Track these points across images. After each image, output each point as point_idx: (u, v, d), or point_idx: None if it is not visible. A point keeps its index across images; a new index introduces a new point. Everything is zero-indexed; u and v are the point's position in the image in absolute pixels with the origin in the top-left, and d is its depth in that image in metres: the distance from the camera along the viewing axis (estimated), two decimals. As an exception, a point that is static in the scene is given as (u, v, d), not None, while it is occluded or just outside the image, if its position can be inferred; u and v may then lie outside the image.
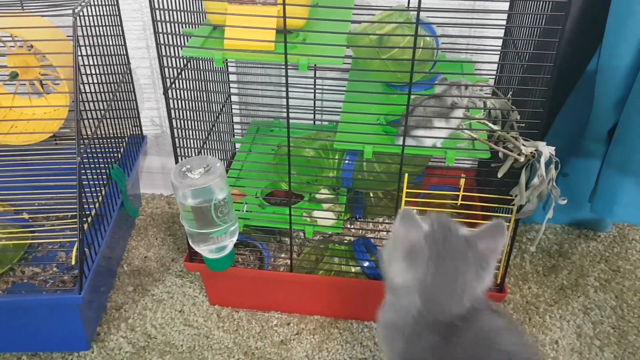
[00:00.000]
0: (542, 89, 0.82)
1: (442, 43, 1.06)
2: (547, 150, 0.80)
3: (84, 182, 1.03)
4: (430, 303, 0.71)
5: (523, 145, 0.81)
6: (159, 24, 0.86)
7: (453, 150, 0.90)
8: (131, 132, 1.32)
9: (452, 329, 0.70)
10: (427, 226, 0.72)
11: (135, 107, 1.33)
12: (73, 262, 0.98)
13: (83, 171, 1.02)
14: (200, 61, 1.09)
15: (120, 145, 1.26)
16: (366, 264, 1.12)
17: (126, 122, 1.29)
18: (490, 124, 0.88)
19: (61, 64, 1.08)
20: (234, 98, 1.34)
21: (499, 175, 0.85)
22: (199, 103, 1.09)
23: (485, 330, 0.71)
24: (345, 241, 1.21)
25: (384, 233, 1.03)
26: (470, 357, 0.70)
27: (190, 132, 1.03)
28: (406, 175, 0.94)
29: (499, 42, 1.13)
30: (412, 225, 0.71)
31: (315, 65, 1.24)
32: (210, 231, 0.95)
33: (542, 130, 0.83)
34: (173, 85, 0.93)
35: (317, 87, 1.29)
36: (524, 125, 0.88)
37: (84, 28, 1.12)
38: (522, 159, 0.81)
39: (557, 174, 0.84)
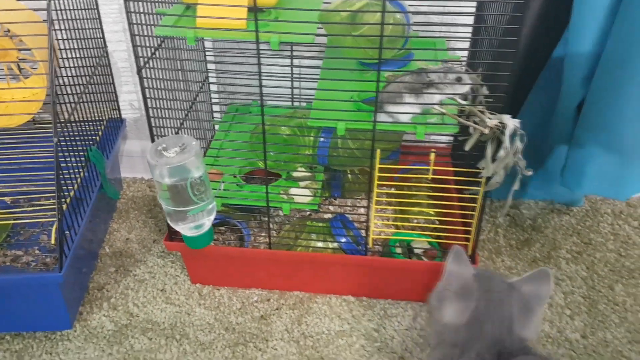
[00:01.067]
0: (507, 63, 0.84)
1: (414, 21, 1.08)
2: (511, 122, 0.82)
3: (62, 165, 1.04)
4: (481, 341, 0.72)
5: (488, 118, 0.84)
6: (131, 3, 0.87)
7: (423, 126, 0.93)
8: (110, 116, 1.33)
9: None
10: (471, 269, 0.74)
11: (113, 91, 1.34)
12: (52, 242, 1.00)
13: (61, 153, 1.03)
14: (176, 41, 1.10)
15: (99, 128, 1.27)
16: (343, 239, 1.15)
17: (104, 105, 1.30)
18: (459, 99, 0.90)
19: (37, 47, 1.09)
20: (212, 79, 1.35)
21: (467, 148, 0.87)
22: (176, 84, 1.10)
23: None
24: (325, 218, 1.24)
25: (362, 210, 1.06)
26: None
27: (168, 112, 1.04)
28: (378, 151, 0.97)
29: (471, 20, 1.15)
30: (464, 261, 0.74)
31: (292, 45, 1.26)
32: (188, 209, 0.97)
33: (507, 104, 0.85)
34: (147, 65, 0.94)
35: (295, 67, 1.30)
36: (491, 99, 0.90)
37: (59, 12, 1.13)
38: (486, 131, 0.83)
39: (523, 146, 0.86)
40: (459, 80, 0.88)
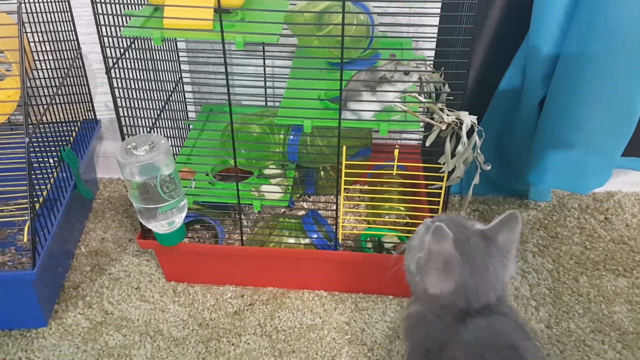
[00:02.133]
0: (464, 62, 0.87)
1: (380, 22, 1.11)
2: (468, 119, 0.86)
3: (35, 165, 1.06)
4: (469, 300, 0.75)
5: (447, 115, 0.87)
6: (99, 5, 0.89)
7: (385, 123, 0.96)
8: (84, 117, 1.34)
9: (473, 317, 0.75)
10: (449, 232, 0.75)
11: (87, 92, 1.35)
12: (25, 240, 1.01)
13: (34, 154, 1.05)
14: (147, 42, 1.12)
15: (73, 129, 1.28)
16: (315, 235, 1.17)
17: (78, 106, 1.32)
18: (419, 97, 0.93)
19: (9, 48, 1.10)
20: (186, 80, 1.37)
21: (427, 143, 0.91)
22: (148, 84, 1.12)
23: (495, 326, 0.75)
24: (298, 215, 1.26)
25: (334, 206, 1.08)
26: (477, 340, 0.74)
27: (140, 111, 1.06)
28: (344, 148, 0.99)
29: (436, 20, 1.18)
30: (444, 239, 0.74)
31: (264, 45, 1.28)
32: (158, 206, 0.99)
33: (463, 101, 0.88)
34: (117, 66, 0.96)
35: (267, 67, 1.33)
36: (451, 97, 0.93)
37: (31, 15, 1.14)
38: (444, 127, 0.86)
39: (481, 142, 0.89)
40: (407, 74, 0.90)
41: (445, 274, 0.75)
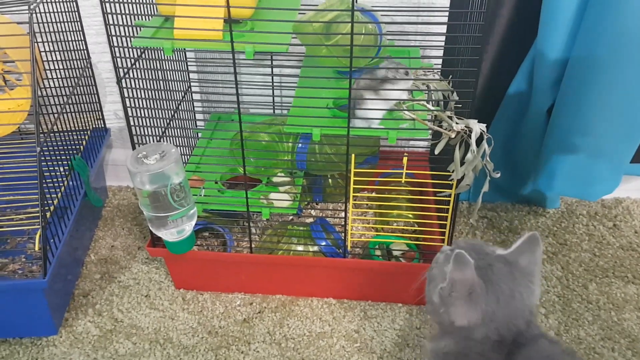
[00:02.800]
0: (473, 70, 0.88)
1: (388, 30, 1.12)
2: (477, 127, 0.86)
3: (46, 174, 1.07)
4: (500, 329, 0.73)
5: (456, 123, 0.87)
6: (110, 16, 0.90)
7: (395, 131, 0.96)
8: (94, 125, 1.35)
9: (514, 348, 0.73)
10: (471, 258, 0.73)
11: (97, 101, 1.37)
12: (36, 249, 1.02)
13: (45, 163, 1.06)
14: (157, 52, 1.13)
15: (83, 138, 1.30)
16: (323, 243, 1.17)
17: (88, 115, 1.33)
18: (428, 105, 0.94)
19: (20, 59, 1.11)
20: (195, 89, 1.38)
21: (436, 151, 0.91)
22: (157, 93, 1.13)
23: (544, 353, 0.73)
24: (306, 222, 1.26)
25: (342, 214, 1.09)
26: None
27: (150, 120, 1.07)
28: (353, 155, 1.00)
29: (443, 29, 1.19)
30: (467, 266, 0.72)
31: (272, 55, 1.29)
32: (168, 215, 1.00)
33: (474, 109, 0.89)
34: (127, 76, 0.97)
35: (275, 76, 1.33)
36: (460, 105, 0.94)
37: (42, 24, 1.16)
38: (453, 135, 0.86)
39: (490, 150, 0.90)
40: (407, 74, 0.91)
41: (471, 303, 0.72)
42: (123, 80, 0.97)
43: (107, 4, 0.89)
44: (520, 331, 0.74)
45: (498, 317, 0.73)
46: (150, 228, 1.04)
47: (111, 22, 0.91)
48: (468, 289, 0.72)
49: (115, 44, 0.93)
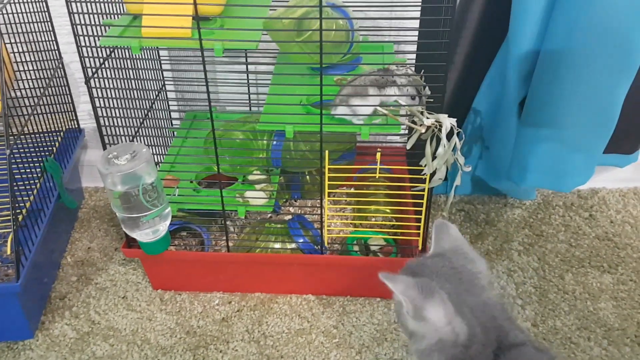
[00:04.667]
0: (442, 65, 0.88)
1: (361, 26, 1.12)
2: (447, 121, 0.86)
3: (17, 176, 1.05)
4: (474, 317, 0.72)
5: (426, 118, 0.87)
6: (77, 15, 0.89)
7: (367, 126, 0.96)
8: (67, 126, 1.34)
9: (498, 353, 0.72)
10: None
11: (70, 101, 1.35)
12: (8, 252, 1.01)
13: (15, 165, 1.04)
14: (128, 51, 1.11)
15: (56, 139, 1.28)
16: (301, 240, 1.17)
17: (61, 116, 1.31)
18: (400, 101, 0.94)
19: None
20: (170, 87, 1.37)
21: (408, 146, 0.91)
22: (129, 93, 1.11)
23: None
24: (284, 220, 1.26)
25: (319, 210, 1.09)
26: None
27: (122, 120, 1.06)
28: (327, 152, 1.00)
29: (417, 24, 1.19)
30: (401, 280, 0.70)
31: (246, 52, 1.28)
32: (141, 215, 0.99)
33: (443, 103, 0.89)
34: (96, 75, 0.96)
35: (251, 73, 1.33)
36: (431, 100, 0.94)
37: (10, 25, 1.14)
38: (423, 130, 0.87)
39: (462, 144, 0.90)
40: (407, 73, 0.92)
41: (433, 298, 0.70)
42: (93, 80, 0.96)
43: (74, 4, 0.88)
44: (501, 327, 0.72)
45: (466, 302, 0.72)
46: (124, 229, 1.03)
47: (78, 22, 0.89)
48: (421, 291, 0.70)
49: (83, 44, 0.91)
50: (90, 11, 0.91)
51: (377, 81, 0.95)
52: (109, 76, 1.01)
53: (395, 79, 0.94)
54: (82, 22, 0.90)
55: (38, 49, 1.22)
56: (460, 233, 0.80)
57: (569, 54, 1.05)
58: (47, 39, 1.25)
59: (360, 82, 0.96)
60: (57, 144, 1.28)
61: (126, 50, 1.09)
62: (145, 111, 1.19)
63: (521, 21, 1.08)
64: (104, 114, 1.00)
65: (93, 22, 0.93)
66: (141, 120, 1.15)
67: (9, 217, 1.10)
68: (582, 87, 1.08)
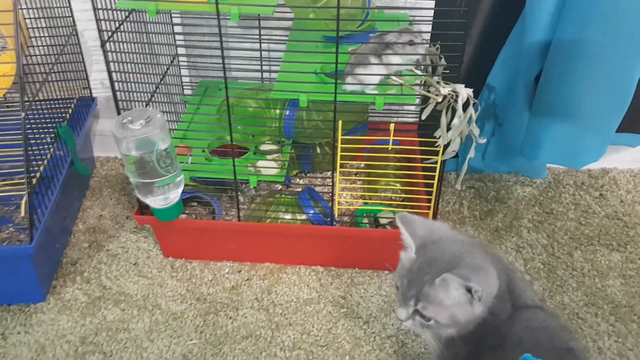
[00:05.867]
0: (460, 34, 0.87)
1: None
2: (464, 91, 0.86)
3: (31, 141, 1.06)
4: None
5: (443, 87, 0.87)
6: (93, -23, 0.88)
7: (381, 96, 0.96)
8: (80, 94, 1.34)
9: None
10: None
11: (83, 69, 1.35)
12: (22, 214, 1.02)
13: (30, 130, 1.05)
14: (143, 15, 1.11)
15: (69, 106, 1.28)
16: (311, 211, 1.18)
17: (74, 83, 1.31)
18: (416, 70, 0.93)
19: (3, 22, 1.09)
20: (182, 56, 1.36)
21: (423, 117, 0.91)
22: (143, 58, 1.11)
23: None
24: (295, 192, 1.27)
25: (330, 182, 1.09)
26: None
27: (136, 85, 1.06)
28: (340, 122, 0.99)
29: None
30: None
31: (259, 19, 1.27)
32: (155, 181, 0.99)
33: (459, 73, 0.88)
34: (112, 39, 0.96)
35: (264, 44, 1.32)
36: (447, 70, 0.93)
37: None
38: (440, 99, 0.86)
39: (477, 115, 0.90)
40: (412, 43, 0.90)
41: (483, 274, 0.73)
42: (108, 44, 0.96)
43: (90, -35, 0.87)
44: (511, 278, 0.75)
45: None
46: (137, 195, 1.04)
47: (94, -17, 0.89)
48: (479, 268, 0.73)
49: (99, 6, 0.91)
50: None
51: (375, 50, 0.94)
52: (124, 40, 1.01)
53: (397, 44, 0.93)
54: (99, -16, 0.90)
55: (52, 15, 1.22)
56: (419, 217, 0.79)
57: (584, 34, 1.04)
58: (61, 5, 1.25)
59: (361, 51, 0.95)
60: (70, 110, 1.28)
61: (141, 14, 1.09)
62: (160, 77, 1.19)
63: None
64: (119, 79, 0.99)
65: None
66: (155, 87, 1.15)
67: (22, 182, 1.11)
68: (597, 65, 1.07)
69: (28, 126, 1.05)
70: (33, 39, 1.24)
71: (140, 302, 1.13)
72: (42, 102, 1.15)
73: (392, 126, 0.97)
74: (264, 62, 1.35)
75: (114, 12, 0.95)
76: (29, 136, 1.05)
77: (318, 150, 1.34)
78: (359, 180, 1.38)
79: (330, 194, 1.11)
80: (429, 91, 0.90)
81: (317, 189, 1.22)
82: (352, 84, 0.97)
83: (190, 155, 1.17)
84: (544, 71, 1.13)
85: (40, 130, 1.11)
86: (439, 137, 0.93)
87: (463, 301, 0.72)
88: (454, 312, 0.73)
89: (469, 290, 0.70)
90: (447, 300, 0.72)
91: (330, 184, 1.09)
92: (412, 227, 0.77)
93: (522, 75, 1.18)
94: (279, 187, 1.33)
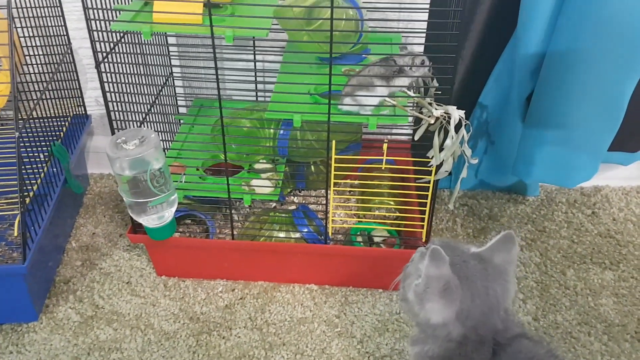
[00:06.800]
0: (452, 57, 0.88)
1: (370, 17, 1.12)
2: (456, 113, 0.87)
3: (25, 160, 1.06)
4: (474, 327, 0.72)
5: (435, 109, 0.88)
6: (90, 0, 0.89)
7: (375, 117, 0.96)
8: (74, 112, 1.34)
9: (497, 349, 0.72)
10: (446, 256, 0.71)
11: (77, 87, 1.35)
12: (15, 234, 1.01)
13: (24, 149, 1.05)
14: (138, 37, 1.12)
15: (63, 124, 1.28)
16: (305, 229, 1.18)
17: (69, 101, 1.32)
18: (409, 92, 0.94)
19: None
20: (177, 75, 1.37)
21: (416, 137, 0.92)
22: (138, 78, 1.12)
23: (528, 355, 0.72)
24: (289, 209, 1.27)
25: (324, 200, 1.09)
26: None
27: (130, 106, 1.06)
28: (334, 142, 1.00)
29: (426, 15, 1.19)
30: (442, 262, 0.70)
31: (254, 40, 1.29)
32: (148, 200, 1.00)
33: (451, 95, 0.89)
34: (106, 60, 0.97)
35: (258, 62, 1.33)
36: (439, 92, 0.94)
37: (21, 9, 1.14)
38: (432, 120, 0.87)
39: (469, 136, 0.90)
40: (423, 63, 0.91)
41: (446, 300, 0.71)
42: (103, 65, 0.96)
43: (86, -13, 0.88)
44: (498, 330, 0.73)
45: (473, 315, 0.72)
46: (131, 214, 1.04)
47: (90, 5, 0.90)
48: (443, 285, 0.71)
49: (94, 28, 0.92)
50: (102, -5, 0.91)
51: (382, 73, 0.95)
52: (119, 61, 1.01)
53: (404, 69, 0.94)
54: (94, 5, 0.91)
55: (47, 34, 1.22)
56: (516, 257, 0.77)
57: (577, 51, 1.06)
58: (56, 24, 1.26)
59: (365, 73, 0.96)
60: (64, 129, 1.28)
61: (136, 36, 1.10)
62: (154, 97, 1.19)
63: (529, 17, 1.08)
64: (113, 99, 1.00)
65: (104, 6, 0.93)
66: (149, 106, 1.16)
67: (16, 200, 1.11)
68: (589, 84, 1.08)
69: (22, 144, 1.05)
70: (28, 58, 1.24)
71: (133, 321, 1.13)
72: (36, 120, 1.15)
73: (385, 146, 0.98)
74: (258, 81, 1.36)
75: (109, 33, 0.96)
76: (23, 154, 1.05)
77: (312, 168, 1.35)
78: (353, 198, 1.38)
79: (325, 212, 1.11)
80: (421, 112, 0.91)
81: (311, 207, 1.23)
82: (348, 105, 0.98)
83: (184, 174, 1.17)
84: (536, 89, 1.14)
85: (34, 149, 1.11)
86: (432, 157, 0.94)
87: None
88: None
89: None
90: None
91: (325, 202, 1.09)
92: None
93: (515, 93, 1.19)
94: (273, 204, 1.34)
